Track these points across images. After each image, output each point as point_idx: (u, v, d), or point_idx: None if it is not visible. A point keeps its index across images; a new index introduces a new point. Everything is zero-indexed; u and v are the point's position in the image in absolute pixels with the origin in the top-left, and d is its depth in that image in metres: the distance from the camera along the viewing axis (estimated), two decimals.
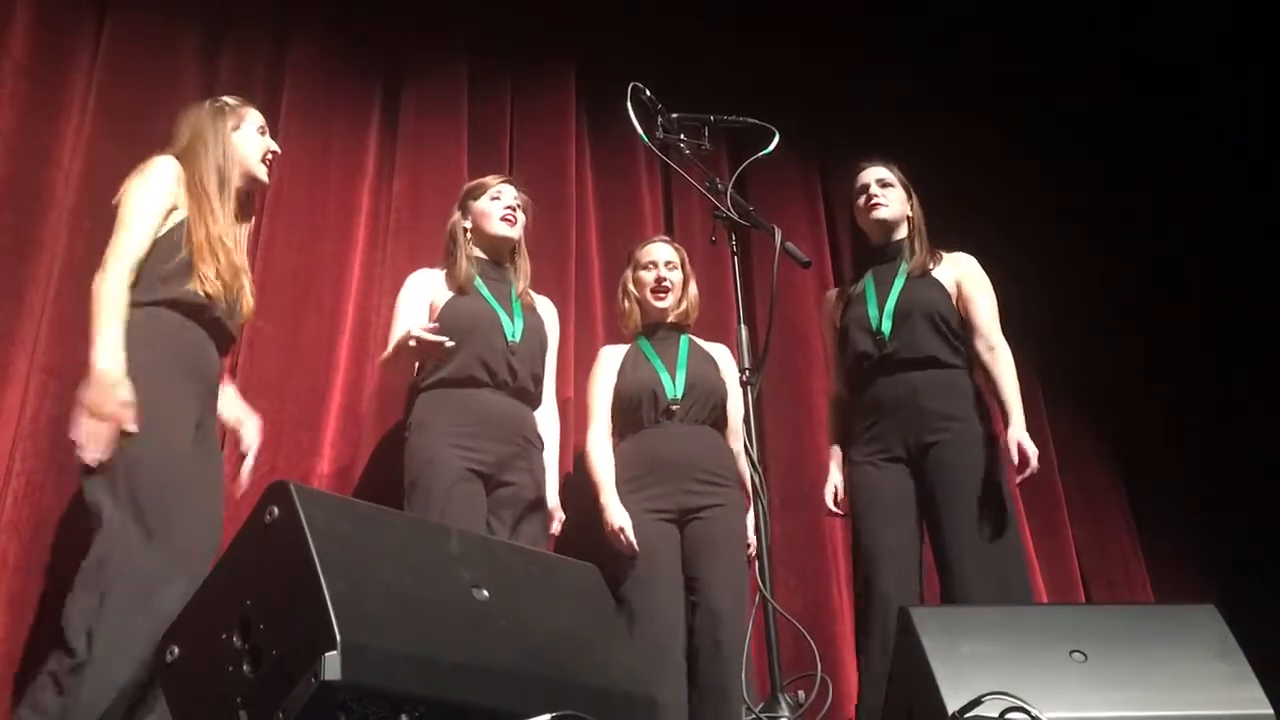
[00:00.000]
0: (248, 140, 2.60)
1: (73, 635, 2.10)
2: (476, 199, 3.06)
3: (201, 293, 2.39)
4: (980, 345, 3.02)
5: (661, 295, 3.23)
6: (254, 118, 2.65)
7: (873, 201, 3.14)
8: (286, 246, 3.36)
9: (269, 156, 2.65)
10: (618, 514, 2.93)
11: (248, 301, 2.55)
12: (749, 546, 3.02)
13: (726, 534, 2.99)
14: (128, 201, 2.40)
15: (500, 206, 3.03)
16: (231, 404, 2.63)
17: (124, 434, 2.20)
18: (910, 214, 3.17)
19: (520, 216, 3.06)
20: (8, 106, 3.02)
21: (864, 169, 3.22)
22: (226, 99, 2.65)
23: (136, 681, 2.12)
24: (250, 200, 2.69)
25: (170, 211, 2.42)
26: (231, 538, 1.71)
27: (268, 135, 2.66)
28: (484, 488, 2.80)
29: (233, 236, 2.50)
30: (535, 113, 4.04)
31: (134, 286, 2.34)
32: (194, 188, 2.46)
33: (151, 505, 2.19)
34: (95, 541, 2.18)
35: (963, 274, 3.10)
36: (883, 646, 2.71)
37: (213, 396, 2.50)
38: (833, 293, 3.30)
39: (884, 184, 3.16)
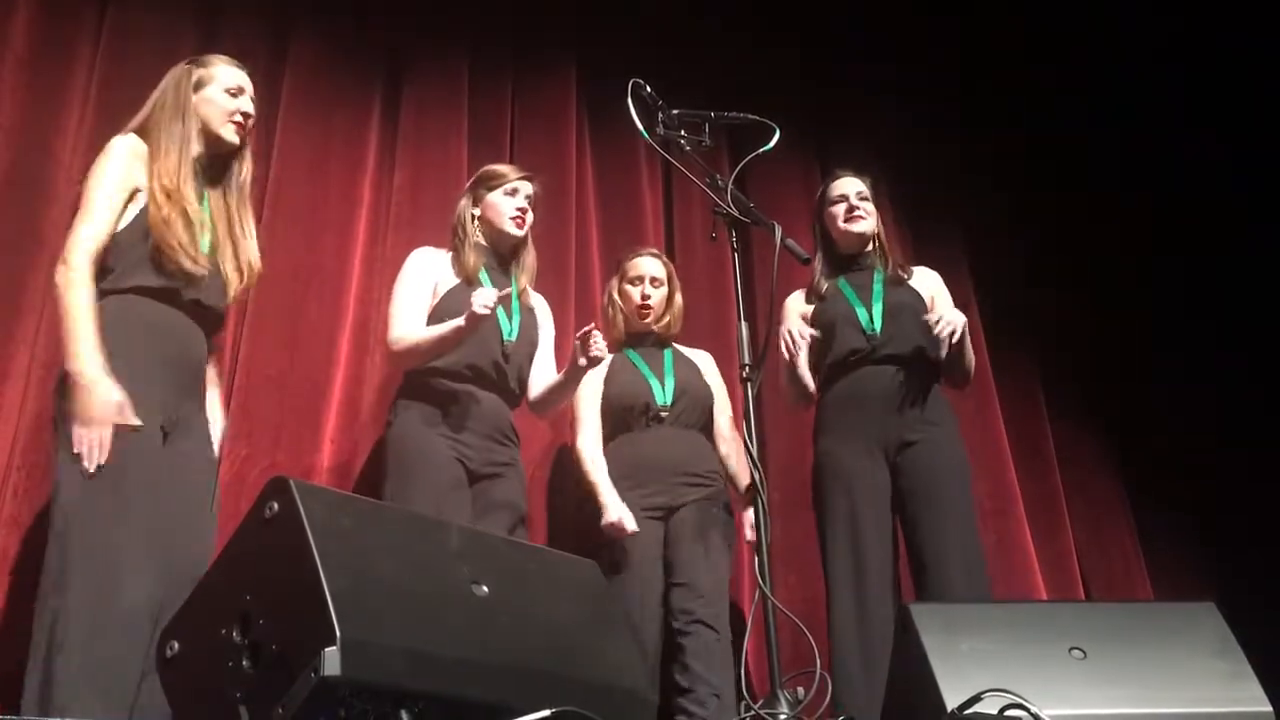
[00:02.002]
0: (209, 100, 2.42)
1: (39, 631, 2.05)
2: (490, 190, 3.01)
3: (173, 273, 2.26)
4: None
5: (645, 314, 3.26)
6: (224, 76, 2.45)
7: (854, 213, 3.15)
8: (287, 239, 3.35)
9: (238, 117, 2.45)
10: (616, 508, 2.95)
11: (245, 269, 2.40)
12: (740, 539, 3.09)
13: (708, 522, 3.02)
14: (87, 188, 2.30)
15: (513, 206, 2.98)
16: (210, 406, 2.50)
17: (131, 429, 2.12)
18: (879, 229, 3.20)
19: (530, 218, 3.03)
20: (8, 100, 3.02)
21: (839, 178, 3.22)
22: (200, 57, 2.48)
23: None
24: (234, 163, 2.49)
25: (134, 194, 2.30)
26: (231, 533, 1.71)
27: (243, 96, 2.46)
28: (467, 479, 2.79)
29: (204, 204, 2.34)
30: (536, 107, 4.04)
31: (105, 275, 2.25)
32: (154, 162, 2.32)
33: (110, 496, 2.10)
34: (50, 537, 2.10)
35: (935, 290, 3.17)
36: (863, 639, 2.72)
37: (198, 381, 2.39)
38: (799, 293, 3.25)
39: (863, 197, 3.17)
